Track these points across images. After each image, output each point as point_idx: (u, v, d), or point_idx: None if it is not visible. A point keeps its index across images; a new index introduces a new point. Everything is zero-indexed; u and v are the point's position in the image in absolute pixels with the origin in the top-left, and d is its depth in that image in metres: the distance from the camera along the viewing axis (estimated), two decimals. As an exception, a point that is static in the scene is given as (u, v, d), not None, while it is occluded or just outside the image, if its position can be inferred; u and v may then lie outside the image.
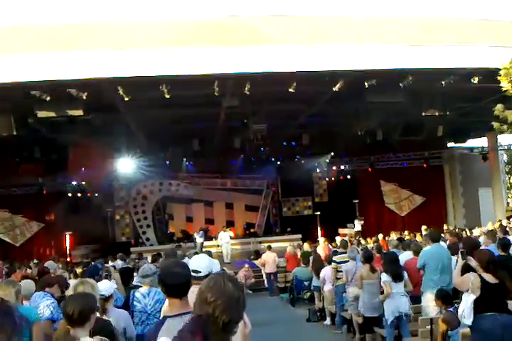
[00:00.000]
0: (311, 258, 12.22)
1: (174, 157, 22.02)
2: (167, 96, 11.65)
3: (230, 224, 23.78)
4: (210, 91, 11.80)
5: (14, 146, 16.54)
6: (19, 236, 21.78)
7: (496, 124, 11.20)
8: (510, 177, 34.38)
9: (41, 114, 11.76)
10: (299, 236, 22.55)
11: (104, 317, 4.12)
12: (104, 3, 59.95)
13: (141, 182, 24.24)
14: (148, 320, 5.15)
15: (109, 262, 13.28)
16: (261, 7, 51.93)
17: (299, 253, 14.46)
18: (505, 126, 11.00)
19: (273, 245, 16.65)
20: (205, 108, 14.57)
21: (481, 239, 8.91)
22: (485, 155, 22.35)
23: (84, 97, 11.13)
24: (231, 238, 19.97)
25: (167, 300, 3.45)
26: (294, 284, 12.94)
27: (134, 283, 7.10)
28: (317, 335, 9.74)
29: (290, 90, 11.99)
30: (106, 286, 4.50)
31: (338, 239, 15.79)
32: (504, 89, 10.17)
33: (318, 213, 24.61)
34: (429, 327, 5.93)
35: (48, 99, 11.11)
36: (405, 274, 7.27)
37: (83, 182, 21.68)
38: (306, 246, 14.63)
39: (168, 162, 22.40)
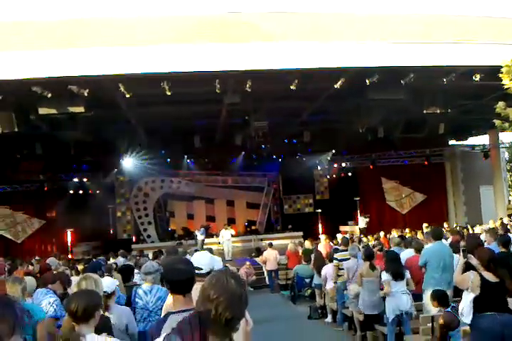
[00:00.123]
0: (312, 255, 12.22)
1: (175, 154, 22.03)
2: (168, 93, 11.65)
3: (231, 222, 23.76)
4: (212, 88, 11.79)
5: (15, 143, 16.55)
6: (20, 232, 21.82)
7: (497, 122, 11.20)
8: (511, 175, 34.33)
9: (42, 110, 11.78)
10: (300, 233, 22.54)
11: (107, 313, 4.13)
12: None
13: (142, 179, 24.30)
14: (150, 317, 5.17)
15: (111, 259, 13.29)
16: (262, 3, 51.85)
17: (300, 251, 14.47)
18: (506, 124, 10.99)
19: (274, 242, 16.65)
20: (206, 105, 14.57)
21: (482, 237, 8.91)
22: (486, 152, 22.34)
23: (86, 94, 11.13)
24: (232, 236, 19.98)
25: (169, 298, 3.45)
26: (295, 281, 12.95)
27: (135, 280, 7.11)
28: (318, 332, 9.75)
29: (291, 87, 11.98)
30: (108, 283, 4.51)
31: (339, 236, 15.78)
32: (506, 86, 10.16)
33: (320, 210, 24.65)
34: (430, 324, 5.93)
35: (50, 95, 11.12)
36: (407, 272, 7.24)
37: (84, 179, 21.72)
38: (308, 244, 14.64)
39: (169, 159, 22.44)
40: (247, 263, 15.01)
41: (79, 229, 21.25)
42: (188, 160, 23.42)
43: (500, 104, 10.60)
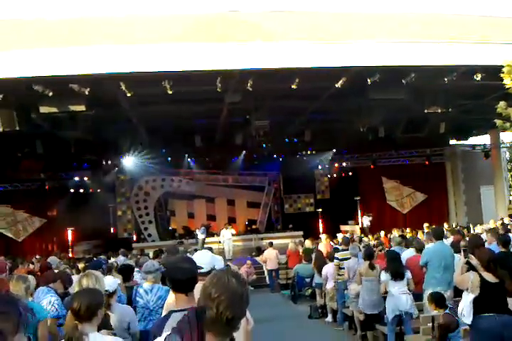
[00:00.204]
0: (313, 255, 12.22)
1: (176, 153, 22.03)
2: (169, 92, 11.65)
3: (231, 221, 23.77)
4: (213, 87, 11.78)
5: (16, 142, 16.55)
6: (21, 231, 21.81)
7: (498, 122, 11.20)
8: (512, 175, 34.27)
9: (43, 109, 11.78)
10: (301, 233, 22.51)
11: (108, 312, 4.13)
12: (106, -2, 59.84)
13: (143, 178, 24.30)
14: (151, 316, 5.17)
15: (111, 258, 13.30)
16: (263, 2, 51.81)
17: (300, 250, 14.46)
18: (507, 124, 11.00)
19: (275, 242, 16.64)
20: (207, 104, 14.55)
21: (483, 237, 8.89)
22: (487, 152, 22.33)
23: (87, 93, 11.13)
24: (233, 235, 19.98)
25: (169, 297, 3.45)
26: (295, 281, 12.94)
27: (136, 279, 7.11)
28: (319, 332, 9.75)
29: (293, 86, 11.97)
30: (110, 282, 4.52)
31: (339, 235, 15.79)
32: (507, 86, 10.17)
33: (320, 210, 24.65)
34: (430, 324, 5.93)
35: (51, 94, 11.13)
36: (408, 272, 7.21)
37: (85, 178, 21.72)
38: (308, 243, 14.63)
39: (169, 158, 22.44)
40: (248, 262, 15.02)
41: (79, 228, 21.23)
42: (189, 159, 23.43)
43: (502, 103, 10.60)
